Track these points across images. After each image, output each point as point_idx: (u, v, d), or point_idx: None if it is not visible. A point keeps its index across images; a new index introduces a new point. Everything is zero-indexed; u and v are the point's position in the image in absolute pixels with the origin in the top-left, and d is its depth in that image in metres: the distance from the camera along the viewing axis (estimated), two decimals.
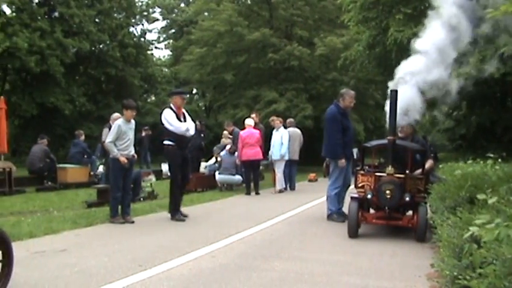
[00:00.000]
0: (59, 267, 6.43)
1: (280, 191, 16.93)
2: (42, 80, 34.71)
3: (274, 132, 17.41)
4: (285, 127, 17.76)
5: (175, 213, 10.81)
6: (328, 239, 8.54)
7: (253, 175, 16.53)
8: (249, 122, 16.83)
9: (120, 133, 10.45)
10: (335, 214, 10.72)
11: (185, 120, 10.95)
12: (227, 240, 8.46)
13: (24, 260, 6.77)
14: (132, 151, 10.70)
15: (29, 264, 6.60)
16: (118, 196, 10.42)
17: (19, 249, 7.40)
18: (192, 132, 11.03)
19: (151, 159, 27.69)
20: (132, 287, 5.64)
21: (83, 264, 6.61)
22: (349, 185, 11.14)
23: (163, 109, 11.05)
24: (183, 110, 11.13)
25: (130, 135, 10.65)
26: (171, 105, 10.96)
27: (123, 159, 10.34)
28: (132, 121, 10.74)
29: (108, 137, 10.59)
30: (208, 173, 18.67)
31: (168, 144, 10.75)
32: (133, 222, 10.31)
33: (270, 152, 17.47)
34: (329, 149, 10.84)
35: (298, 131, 18.42)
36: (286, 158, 17.24)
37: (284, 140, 17.01)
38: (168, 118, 10.71)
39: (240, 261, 6.87)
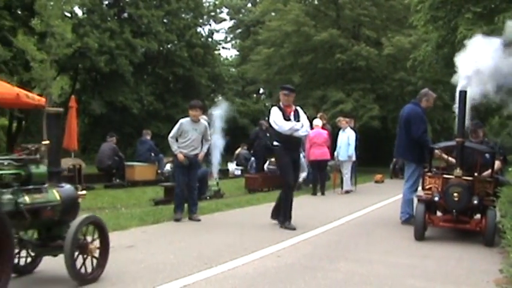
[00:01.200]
0: (126, 262, 6.57)
1: (347, 192, 16.89)
2: (111, 79, 35.36)
3: (340, 132, 17.34)
4: (352, 128, 17.67)
5: (286, 220, 9.74)
6: (394, 241, 8.48)
7: (319, 175, 16.48)
8: (317, 122, 16.78)
9: (181, 131, 10.61)
10: (413, 218, 10.44)
11: (297, 119, 9.93)
12: (293, 240, 8.49)
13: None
14: (194, 151, 10.70)
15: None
16: (177, 192, 10.64)
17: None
18: (304, 132, 10.10)
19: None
20: (198, 284, 5.71)
21: (150, 260, 6.75)
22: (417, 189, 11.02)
23: (272, 107, 10.21)
24: (296, 108, 10.15)
25: (193, 135, 10.67)
26: (280, 103, 10.08)
27: (180, 156, 10.47)
28: (202, 122, 10.83)
29: (171, 133, 10.77)
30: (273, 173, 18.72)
31: (276, 145, 9.91)
32: (199, 220, 10.44)
33: (335, 153, 17.39)
34: (410, 150, 10.41)
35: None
36: (354, 158, 17.18)
37: (351, 141, 16.94)
38: (273, 116, 9.84)
39: (305, 262, 6.88)
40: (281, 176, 10.17)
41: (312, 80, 35.94)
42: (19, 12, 30.60)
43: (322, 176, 16.57)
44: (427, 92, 10.70)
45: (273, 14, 39.10)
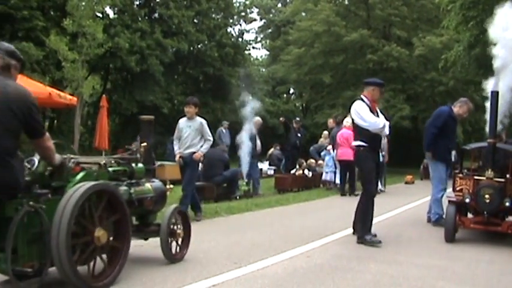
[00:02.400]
0: (156, 261, 6.60)
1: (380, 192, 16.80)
2: (142, 79, 35.59)
3: None
4: None
5: (368, 234, 8.38)
6: (424, 242, 8.44)
7: (349, 175, 16.43)
8: (350, 121, 16.82)
9: (178, 130, 10.49)
10: (443, 219, 10.41)
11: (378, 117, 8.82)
12: (322, 240, 8.48)
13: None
14: (189, 149, 10.38)
15: (127, 258, 6.78)
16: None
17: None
18: (387, 130, 8.75)
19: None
20: (227, 284, 5.73)
21: None
22: (446, 189, 10.97)
23: (353, 101, 8.80)
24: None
25: (187, 131, 10.40)
26: (362, 97, 8.71)
27: (177, 158, 10.38)
28: (197, 119, 10.50)
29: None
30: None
31: (360, 146, 8.55)
32: (199, 220, 10.29)
33: None
34: (433, 146, 10.53)
35: None
36: (381, 159, 17.09)
37: None
38: (361, 112, 8.46)
39: (334, 262, 6.87)
40: (364, 183, 8.82)
41: (343, 81, 35.88)
42: (51, 13, 30.99)
43: (351, 177, 16.48)
44: (462, 100, 10.74)
45: (303, 14, 39.14)
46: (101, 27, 22.56)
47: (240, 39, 45.33)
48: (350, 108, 8.75)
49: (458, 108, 10.49)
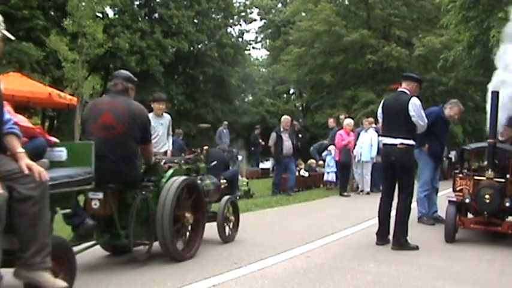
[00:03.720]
0: (156, 261, 6.62)
1: (368, 193, 16.88)
2: (142, 79, 35.37)
3: (362, 133, 17.27)
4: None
5: (404, 237, 8.09)
6: (424, 242, 8.42)
7: (342, 175, 16.63)
8: (351, 122, 17.06)
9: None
10: (425, 217, 10.59)
11: None
12: (322, 240, 8.48)
13: (123, 253, 7.00)
14: (164, 147, 10.36)
15: (128, 257, 6.80)
16: None
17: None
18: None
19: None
20: (227, 284, 5.73)
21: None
22: (438, 190, 11.07)
23: (411, 97, 8.16)
24: None
25: (160, 130, 10.30)
26: (411, 92, 8.33)
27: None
28: (165, 116, 10.47)
29: None
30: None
31: (411, 145, 8.14)
32: None
33: (355, 152, 17.26)
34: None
35: None
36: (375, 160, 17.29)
37: (374, 142, 16.89)
38: (421, 110, 8.19)
39: (334, 262, 6.88)
40: (408, 185, 8.23)
41: (343, 81, 35.85)
42: (52, 13, 30.98)
43: (346, 176, 16.76)
44: (453, 101, 10.74)
45: (303, 14, 39.11)
46: (101, 27, 22.55)
47: (240, 39, 45.32)
48: (392, 102, 8.43)
49: (449, 109, 10.50)
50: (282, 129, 15.82)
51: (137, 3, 37.16)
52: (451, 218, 8.58)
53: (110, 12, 34.81)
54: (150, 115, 10.01)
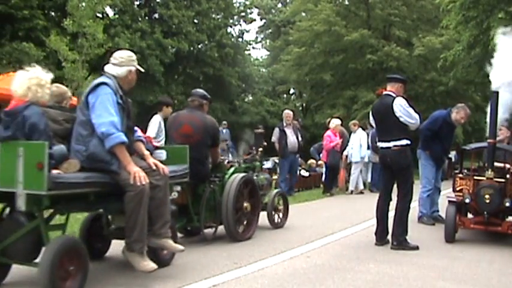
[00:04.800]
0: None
1: (352, 192, 17.03)
2: (142, 79, 35.37)
3: (352, 135, 17.46)
4: (363, 129, 17.76)
5: (404, 236, 8.16)
6: (424, 242, 8.42)
7: (327, 176, 16.84)
8: (339, 123, 17.26)
9: (160, 130, 10.37)
10: (425, 217, 10.61)
11: None
12: (322, 240, 8.50)
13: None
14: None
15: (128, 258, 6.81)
16: None
17: (119, 243, 7.68)
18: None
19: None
20: (227, 284, 5.75)
21: (179, 259, 6.77)
22: (440, 189, 11.12)
23: (394, 98, 8.15)
24: None
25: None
26: (394, 93, 8.34)
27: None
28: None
29: (151, 132, 10.18)
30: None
31: (406, 145, 8.09)
32: None
33: (345, 153, 17.34)
34: (422, 144, 10.84)
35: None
36: (366, 160, 17.37)
37: (363, 142, 17.09)
38: (408, 109, 8.07)
39: (334, 262, 6.88)
40: (406, 185, 8.24)
41: (343, 80, 35.85)
42: (52, 13, 30.96)
43: (333, 176, 17.17)
44: (459, 105, 10.68)
45: (303, 14, 39.10)
46: (101, 27, 22.50)
47: (240, 40, 45.28)
48: (378, 107, 8.49)
49: (456, 113, 10.47)
50: (285, 124, 15.53)
51: (137, 3, 37.13)
52: (451, 218, 8.58)
53: (110, 12, 34.77)
54: (160, 117, 10.42)
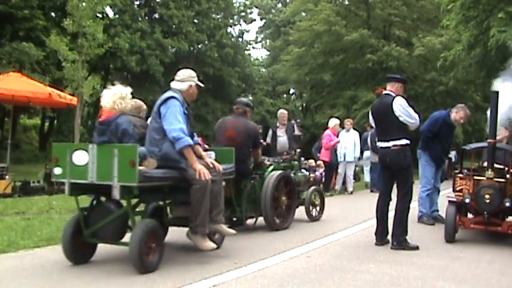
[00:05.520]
0: None
1: (351, 193, 17.48)
2: (142, 79, 35.60)
3: (344, 133, 17.48)
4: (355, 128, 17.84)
5: (406, 239, 8.15)
6: (425, 242, 8.42)
7: (325, 176, 16.82)
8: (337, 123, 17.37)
9: None
10: (425, 216, 10.62)
11: None
12: (322, 240, 8.49)
13: (123, 254, 7.01)
14: None
15: (126, 257, 6.82)
16: None
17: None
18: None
19: None
20: (227, 284, 5.73)
21: (179, 259, 6.82)
22: (439, 189, 11.18)
23: (394, 98, 8.17)
24: None
25: None
26: (394, 92, 8.36)
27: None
28: None
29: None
30: None
31: (406, 144, 8.09)
32: None
33: (340, 154, 17.35)
34: (422, 144, 10.92)
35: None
36: (357, 159, 17.56)
37: (357, 141, 17.19)
38: (408, 108, 8.07)
39: (334, 263, 6.88)
40: (406, 185, 8.22)
41: (343, 80, 35.91)
42: (52, 13, 30.97)
43: (329, 177, 17.21)
44: (459, 106, 10.69)
45: (303, 14, 39.16)
46: (101, 27, 22.53)
47: (240, 40, 45.32)
48: (377, 106, 8.50)
49: (455, 113, 10.48)
50: (278, 125, 15.44)
51: (137, 3, 37.18)
52: (451, 218, 8.58)
53: (110, 12, 34.84)
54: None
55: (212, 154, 7.68)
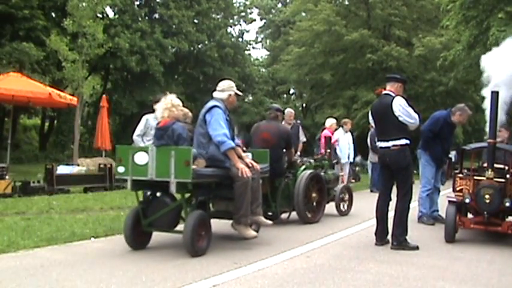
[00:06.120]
0: (156, 261, 6.65)
1: None
2: (142, 79, 35.64)
3: (342, 134, 17.45)
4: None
5: (406, 239, 8.13)
6: (425, 242, 8.42)
7: None
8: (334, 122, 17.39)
9: (147, 127, 10.35)
10: (425, 216, 10.63)
11: None
12: (322, 240, 8.49)
13: (123, 254, 7.06)
14: None
15: (128, 258, 6.87)
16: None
17: (118, 243, 7.70)
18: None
19: None
20: (227, 284, 5.73)
21: (179, 259, 6.80)
22: (439, 190, 11.19)
23: (394, 97, 8.16)
24: None
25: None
26: (393, 92, 8.33)
27: None
28: None
29: (136, 131, 10.50)
30: None
31: (406, 144, 8.06)
32: None
33: (343, 153, 17.35)
34: (422, 145, 10.94)
35: None
36: (351, 160, 17.57)
37: (350, 142, 17.23)
38: (408, 108, 8.03)
39: (334, 263, 6.88)
40: (405, 185, 8.20)
41: (343, 80, 35.88)
42: (52, 13, 30.98)
43: None
44: (463, 108, 10.65)
45: (303, 14, 39.13)
46: (101, 27, 22.54)
47: (240, 40, 45.34)
48: (377, 106, 8.49)
49: (459, 116, 10.47)
50: (283, 123, 15.37)
51: (137, 3, 37.21)
52: (451, 218, 8.57)
53: (110, 12, 34.88)
54: (152, 115, 10.09)
55: (249, 155, 8.26)
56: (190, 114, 9.87)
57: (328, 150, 13.03)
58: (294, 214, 10.33)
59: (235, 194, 7.58)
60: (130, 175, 7.41)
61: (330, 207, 11.60)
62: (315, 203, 10.71)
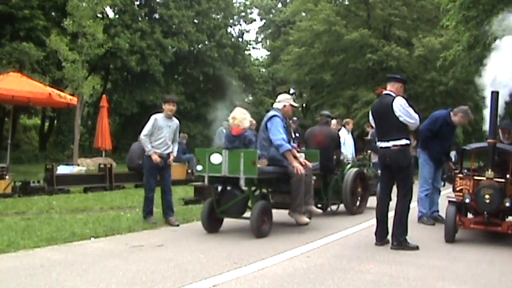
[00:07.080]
0: (156, 261, 6.65)
1: None
2: (142, 79, 35.65)
3: (346, 134, 17.40)
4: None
5: (406, 239, 8.11)
6: (424, 242, 8.42)
7: None
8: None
9: (155, 127, 9.99)
10: (425, 216, 10.62)
11: None
12: (322, 240, 8.49)
13: (123, 254, 7.05)
14: (167, 150, 10.13)
15: (128, 258, 6.85)
16: (150, 197, 10.06)
17: (118, 243, 7.70)
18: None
19: None
20: (227, 284, 5.73)
21: (179, 259, 6.80)
22: (440, 190, 11.24)
23: (394, 98, 8.16)
24: None
25: (166, 132, 10.08)
26: (394, 93, 8.34)
27: (155, 156, 9.84)
28: (174, 120, 10.31)
29: (143, 130, 10.07)
30: None
31: (406, 144, 8.08)
32: (178, 225, 9.90)
33: (350, 153, 17.33)
34: (422, 146, 10.98)
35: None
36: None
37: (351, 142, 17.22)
38: (408, 109, 8.02)
39: (334, 263, 6.87)
40: (406, 185, 8.18)
41: (343, 80, 35.91)
42: (52, 13, 30.98)
43: None
44: (466, 111, 10.68)
45: (303, 14, 39.14)
46: (101, 27, 22.55)
47: (240, 40, 45.33)
48: (377, 106, 8.48)
49: (460, 117, 10.49)
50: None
51: (137, 3, 37.23)
52: (451, 218, 8.57)
53: (110, 12, 34.89)
54: (160, 115, 10.02)
55: (302, 155, 9.59)
56: (254, 122, 12.61)
57: (369, 151, 15.16)
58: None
59: (292, 188, 9.08)
60: (207, 172, 9.01)
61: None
62: (359, 197, 12.46)
